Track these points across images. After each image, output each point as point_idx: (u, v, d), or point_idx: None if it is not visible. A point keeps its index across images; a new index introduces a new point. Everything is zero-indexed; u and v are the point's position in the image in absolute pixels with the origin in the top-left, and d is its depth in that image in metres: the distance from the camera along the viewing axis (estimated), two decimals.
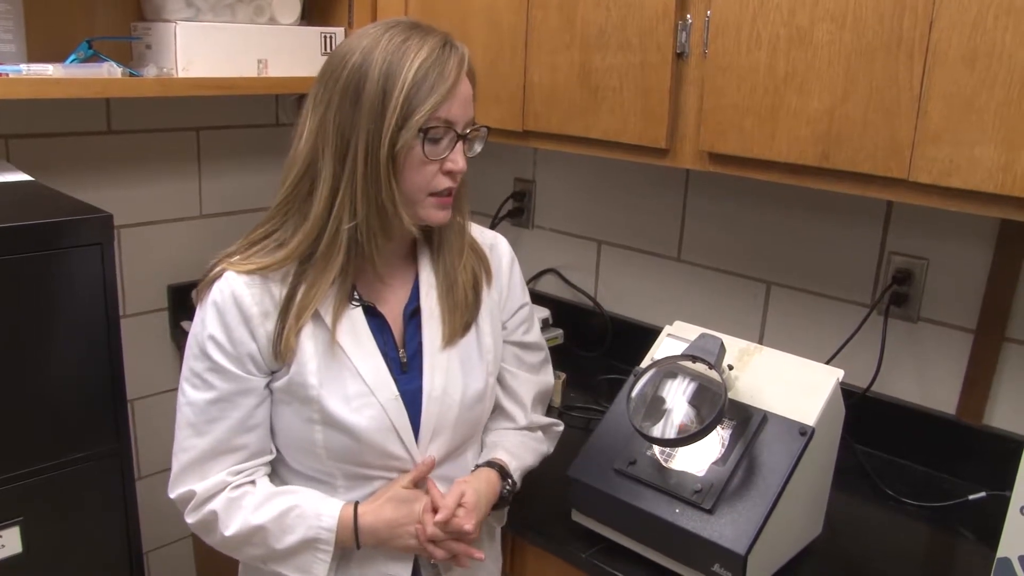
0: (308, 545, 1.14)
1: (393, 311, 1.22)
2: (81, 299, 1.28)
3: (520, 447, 1.31)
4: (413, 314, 1.23)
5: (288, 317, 1.13)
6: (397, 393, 1.18)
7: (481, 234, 1.33)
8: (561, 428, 1.42)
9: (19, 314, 1.22)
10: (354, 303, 1.18)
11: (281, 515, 1.14)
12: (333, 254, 1.13)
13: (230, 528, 1.14)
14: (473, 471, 1.26)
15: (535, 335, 1.39)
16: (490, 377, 1.27)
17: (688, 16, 1.39)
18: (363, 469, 1.19)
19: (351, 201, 1.11)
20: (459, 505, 1.16)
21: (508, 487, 1.25)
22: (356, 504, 1.16)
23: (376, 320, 1.20)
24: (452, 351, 1.23)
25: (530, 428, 1.35)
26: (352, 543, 1.15)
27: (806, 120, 1.27)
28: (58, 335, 1.27)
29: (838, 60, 1.23)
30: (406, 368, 1.21)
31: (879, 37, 1.18)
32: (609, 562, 1.28)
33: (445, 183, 1.14)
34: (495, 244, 1.34)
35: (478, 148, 1.20)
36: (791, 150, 1.30)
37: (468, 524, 1.14)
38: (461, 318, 1.23)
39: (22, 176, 1.54)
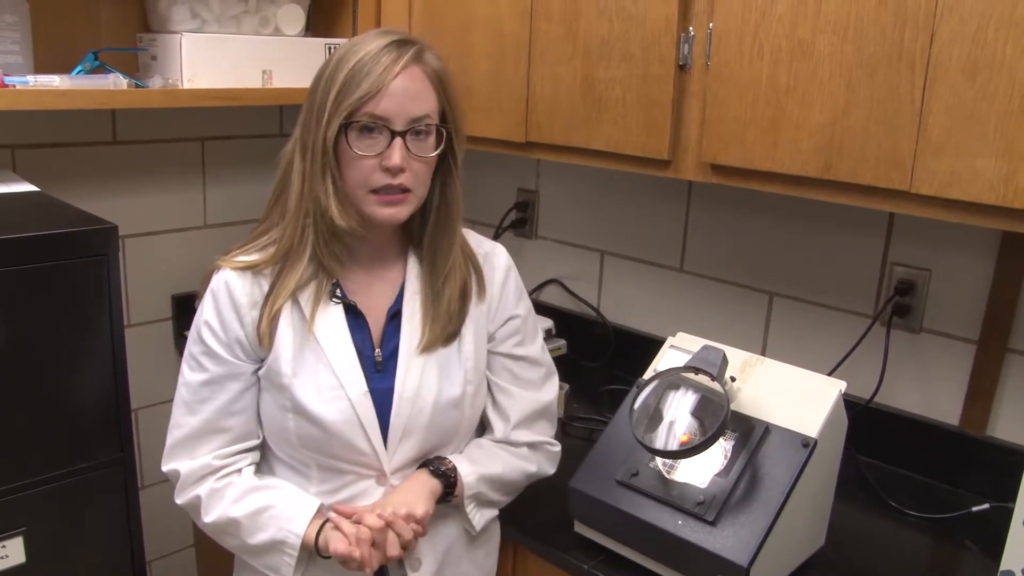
0: (276, 546, 1.18)
1: (376, 312, 1.25)
2: (86, 309, 1.28)
3: (484, 455, 1.29)
4: (394, 316, 1.26)
5: (266, 306, 1.19)
6: (367, 389, 1.21)
7: (480, 244, 1.34)
8: (557, 449, 1.37)
9: (24, 324, 1.23)
10: (335, 300, 1.22)
11: (256, 512, 1.19)
12: (303, 248, 1.19)
13: (210, 516, 1.21)
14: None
15: (532, 349, 1.35)
16: (468, 385, 1.26)
17: (691, 28, 1.40)
18: (333, 461, 1.22)
19: (309, 195, 1.17)
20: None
21: (437, 468, 1.22)
22: (325, 522, 1.18)
23: (357, 319, 1.24)
24: (429, 355, 1.24)
25: (512, 443, 1.32)
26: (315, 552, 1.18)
27: (808, 132, 1.28)
28: (62, 345, 1.27)
29: (840, 72, 1.23)
30: (380, 367, 1.23)
31: (880, 49, 1.19)
32: (611, 573, 1.28)
33: (382, 180, 1.16)
34: (491, 253, 1.34)
35: (433, 147, 1.19)
36: (793, 162, 1.30)
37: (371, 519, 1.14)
38: (443, 329, 1.25)
39: (28, 187, 1.54)
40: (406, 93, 1.14)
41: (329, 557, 1.16)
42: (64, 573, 1.33)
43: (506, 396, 1.32)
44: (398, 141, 1.14)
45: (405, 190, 1.17)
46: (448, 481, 1.23)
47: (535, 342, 1.37)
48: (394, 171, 1.15)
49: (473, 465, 1.26)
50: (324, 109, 1.13)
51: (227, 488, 1.21)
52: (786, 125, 1.30)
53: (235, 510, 1.19)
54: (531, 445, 1.34)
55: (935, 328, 1.57)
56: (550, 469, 1.37)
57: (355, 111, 1.13)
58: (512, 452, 1.32)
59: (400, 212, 1.19)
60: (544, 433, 1.36)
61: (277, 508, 1.19)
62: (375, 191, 1.16)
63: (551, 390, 1.38)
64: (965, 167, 1.14)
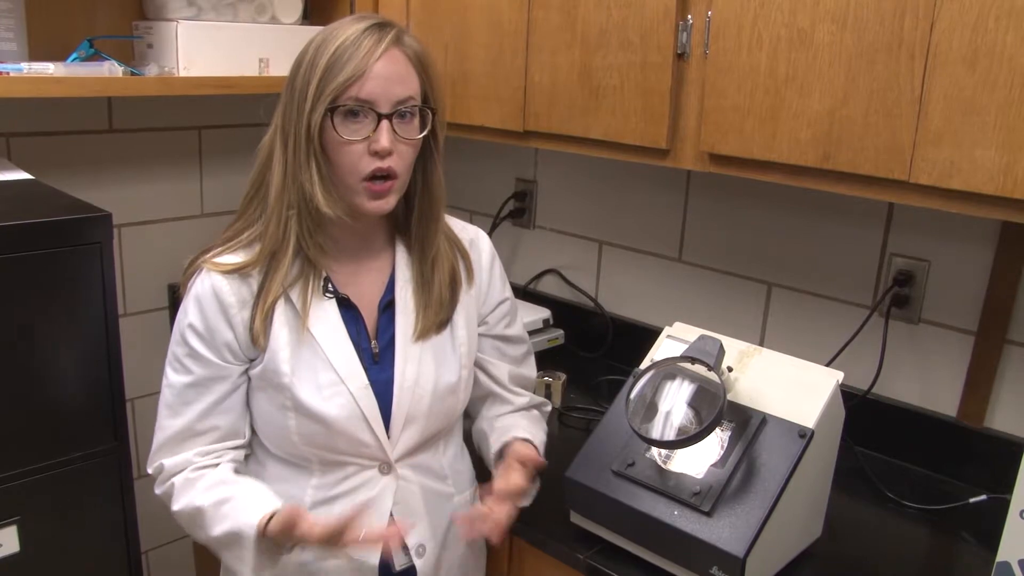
0: (235, 538, 1.15)
1: (368, 303, 1.25)
2: (80, 298, 1.28)
3: (534, 426, 1.36)
4: (387, 306, 1.26)
5: (257, 305, 1.18)
6: (367, 382, 1.21)
7: (463, 230, 1.35)
8: (549, 408, 1.47)
9: (18, 313, 1.22)
10: (328, 295, 1.21)
11: (219, 503, 1.17)
12: (287, 241, 1.17)
13: (178, 504, 1.19)
14: (509, 451, 1.28)
15: (517, 329, 1.41)
16: (463, 370, 1.29)
17: (689, 16, 1.39)
18: (335, 455, 1.22)
19: (291, 186, 1.15)
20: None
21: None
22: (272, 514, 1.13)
23: (350, 312, 1.23)
24: (424, 343, 1.25)
25: (527, 408, 1.40)
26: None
27: (807, 121, 1.27)
28: (57, 334, 1.27)
29: (839, 61, 1.22)
30: (378, 359, 1.24)
31: (880, 38, 1.18)
32: (607, 564, 1.28)
33: (371, 164, 1.14)
34: (475, 239, 1.36)
35: (418, 129, 1.18)
36: (792, 151, 1.29)
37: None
38: (435, 316, 1.26)
39: (23, 175, 1.54)
40: (389, 75, 1.13)
41: (290, 550, 1.13)
42: (59, 563, 1.33)
43: (499, 371, 1.38)
44: (385, 123, 1.13)
45: (393, 176, 1.16)
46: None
47: (518, 321, 1.43)
48: (383, 154, 1.14)
49: (537, 439, 1.33)
50: (306, 96, 1.12)
51: (200, 479, 1.20)
52: (785, 114, 1.29)
53: (202, 498, 1.17)
54: (538, 406, 1.43)
55: (934, 319, 1.57)
56: None
57: (339, 95, 1.11)
58: (534, 420, 1.40)
59: (388, 203, 1.18)
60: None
61: (239, 500, 1.16)
62: (366, 179, 1.15)
63: (532, 366, 1.45)
64: (964, 157, 1.13)
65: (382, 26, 1.15)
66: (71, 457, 1.31)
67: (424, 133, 1.19)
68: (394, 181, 1.17)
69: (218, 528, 1.16)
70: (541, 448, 1.32)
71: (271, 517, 1.11)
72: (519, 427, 1.33)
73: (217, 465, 1.22)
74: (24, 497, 1.27)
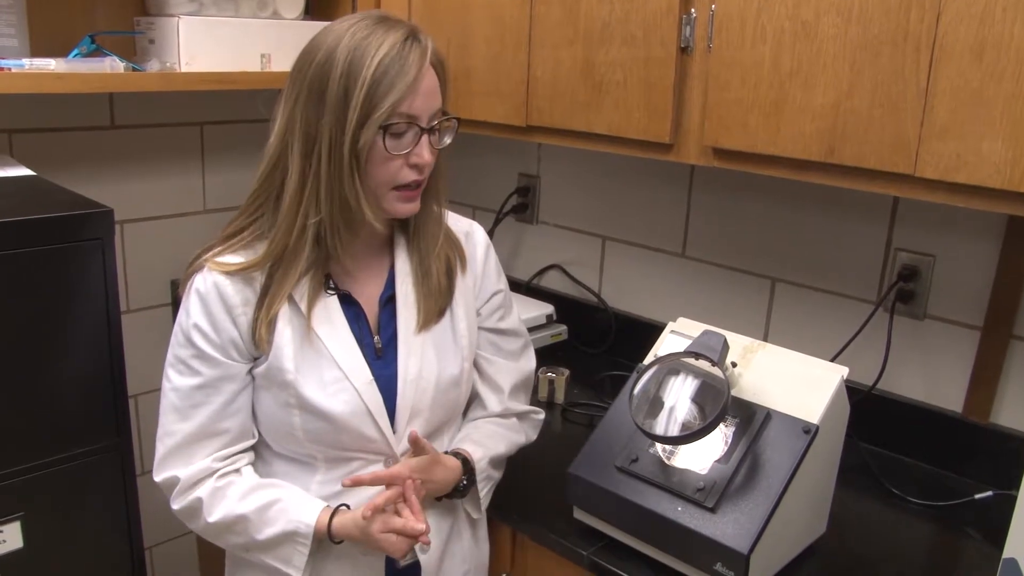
0: (288, 538, 1.16)
1: (369, 299, 1.25)
2: (82, 294, 1.28)
3: (490, 437, 1.32)
4: (388, 301, 1.26)
5: (262, 308, 1.17)
6: (372, 378, 1.20)
7: (457, 222, 1.35)
8: (542, 416, 1.43)
9: (20, 309, 1.22)
10: (329, 291, 1.21)
11: (264, 507, 1.17)
12: (301, 248, 1.16)
13: (213, 515, 1.18)
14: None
15: (512, 322, 1.40)
16: (465, 362, 1.29)
17: (692, 10, 1.38)
18: (341, 452, 1.22)
19: (316, 196, 1.14)
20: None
21: (464, 481, 1.25)
22: (333, 513, 1.17)
23: (352, 308, 1.23)
24: (427, 336, 1.25)
25: (503, 415, 1.36)
26: (327, 539, 1.18)
27: (811, 115, 1.26)
28: (59, 330, 1.27)
29: (843, 54, 1.21)
30: (381, 354, 1.24)
31: (885, 30, 1.17)
32: (611, 560, 1.27)
33: (411, 176, 1.16)
34: (471, 232, 1.36)
35: (448, 139, 1.21)
36: (796, 145, 1.28)
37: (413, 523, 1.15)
38: (435, 304, 1.26)
39: (24, 171, 1.54)
40: (429, 90, 1.14)
41: (341, 542, 1.17)
42: (62, 559, 1.33)
43: (494, 368, 1.36)
44: (426, 138, 1.14)
45: (423, 182, 1.18)
46: (467, 467, 1.26)
47: (514, 314, 1.41)
48: (423, 168, 1.15)
49: (483, 449, 1.28)
50: (347, 110, 1.09)
51: (229, 487, 1.19)
52: (789, 108, 1.28)
53: (241, 506, 1.17)
54: (520, 416, 1.39)
55: (939, 314, 1.56)
56: (534, 436, 1.42)
57: (391, 113, 1.10)
58: (507, 426, 1.36)
59: (418, 205, 1.20)
60: (527, 402, 1.41)
61: (286, 502, 1.18)
62: (399, 187, 1.16)
63: (531, 359, 1.43)
64: (971, 150, 1.12)
65: (415, 36, 1.13)
66: (74, 453, 1.31)
67: (449, 141, 1.20)
68: (422, 186, 1.19)
69: (266, 531, 1.16)
70: (483, 462, 1.27)
71: (332, 514, 1.16)
72: (470, 439, 1.30)
73: (239, 471, 1.21)
74: (27, 493, 1.27)
